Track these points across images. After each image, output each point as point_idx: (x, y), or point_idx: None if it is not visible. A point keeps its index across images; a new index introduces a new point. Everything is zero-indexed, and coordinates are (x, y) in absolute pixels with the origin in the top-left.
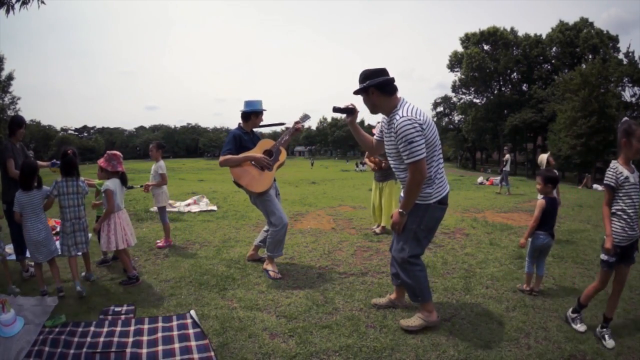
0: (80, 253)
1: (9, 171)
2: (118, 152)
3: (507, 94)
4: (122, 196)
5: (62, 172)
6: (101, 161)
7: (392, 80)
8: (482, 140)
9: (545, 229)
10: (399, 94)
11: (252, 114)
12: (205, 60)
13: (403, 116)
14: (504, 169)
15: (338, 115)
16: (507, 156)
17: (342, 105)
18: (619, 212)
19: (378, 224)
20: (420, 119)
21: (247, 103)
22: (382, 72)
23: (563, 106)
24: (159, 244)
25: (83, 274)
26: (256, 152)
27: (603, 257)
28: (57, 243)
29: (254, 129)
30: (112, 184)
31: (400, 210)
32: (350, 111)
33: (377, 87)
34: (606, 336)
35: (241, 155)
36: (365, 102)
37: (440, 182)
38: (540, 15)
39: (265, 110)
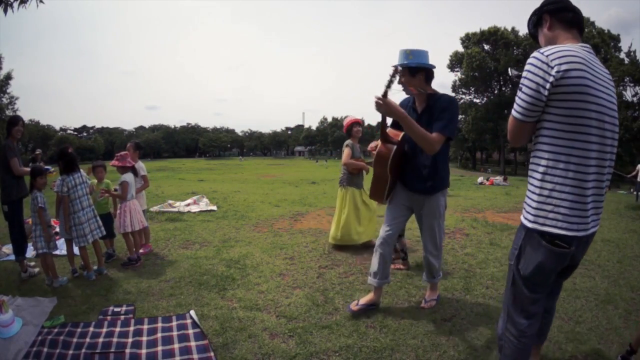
0: (99, 236)
1: (15, 169)
2: (124, 152)
3: (508, 94)
4: (134, 188)
5: (66, 169)
6: (115, 163)
7: (576, 9)
8: (482, 140)
9: None
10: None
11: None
12: (205, 60)
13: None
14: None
15: (338, 115)
16: (639, 166)
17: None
18: None
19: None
20: (555, 60)
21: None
22: None
23: None
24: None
25: (95, 267)
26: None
27: None
28: (58, 243)
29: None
30: (129, 177)
31: None
32: None
33: (552, 12)
34: None
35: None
36: (540, 40)
37: (572, 204)
38: None
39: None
